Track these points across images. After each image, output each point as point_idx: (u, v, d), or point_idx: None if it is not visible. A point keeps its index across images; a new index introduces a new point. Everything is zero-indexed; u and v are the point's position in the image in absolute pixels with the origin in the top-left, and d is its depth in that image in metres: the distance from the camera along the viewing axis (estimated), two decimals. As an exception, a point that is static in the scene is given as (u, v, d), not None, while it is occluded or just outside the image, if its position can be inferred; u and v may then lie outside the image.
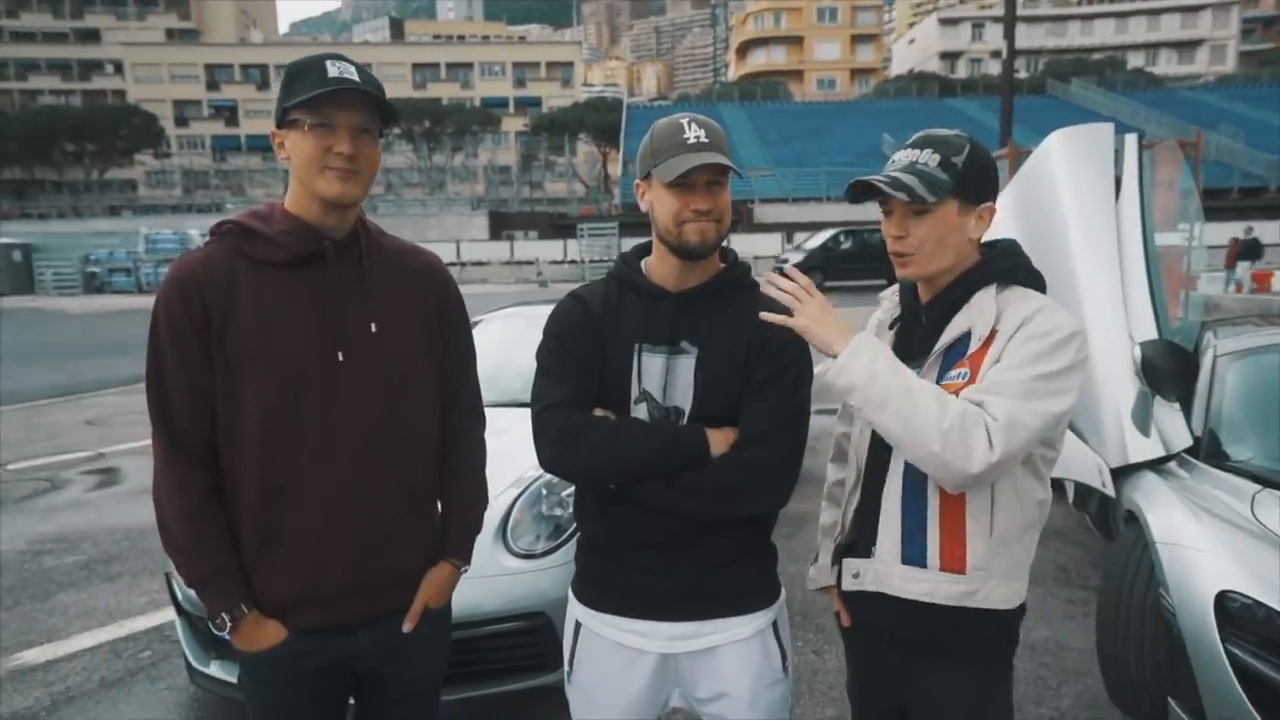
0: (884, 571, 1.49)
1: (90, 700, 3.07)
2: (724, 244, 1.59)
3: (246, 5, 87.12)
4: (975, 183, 1.45)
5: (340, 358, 1.46)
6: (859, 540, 1.56)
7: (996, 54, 61.80)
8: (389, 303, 1.54)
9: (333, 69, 1.40)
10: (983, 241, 1.52)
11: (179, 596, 2.84)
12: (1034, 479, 1.45)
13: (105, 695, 3.10)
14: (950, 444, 1.27)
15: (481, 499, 1.74)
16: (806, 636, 3.37)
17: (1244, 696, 2.06)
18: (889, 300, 1.68)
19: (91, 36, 68.60)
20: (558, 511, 2.83)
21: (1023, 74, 57.29)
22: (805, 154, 44.30)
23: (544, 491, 2.88)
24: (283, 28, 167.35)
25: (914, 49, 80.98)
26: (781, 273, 1.47)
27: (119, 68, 64.88)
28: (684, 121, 1.49)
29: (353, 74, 1.41)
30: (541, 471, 2.96)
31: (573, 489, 2.81)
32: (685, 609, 1.55)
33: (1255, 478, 2.67)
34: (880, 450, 1.51)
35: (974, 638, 1.46)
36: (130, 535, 4.86)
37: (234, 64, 66.40)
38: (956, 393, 1.36)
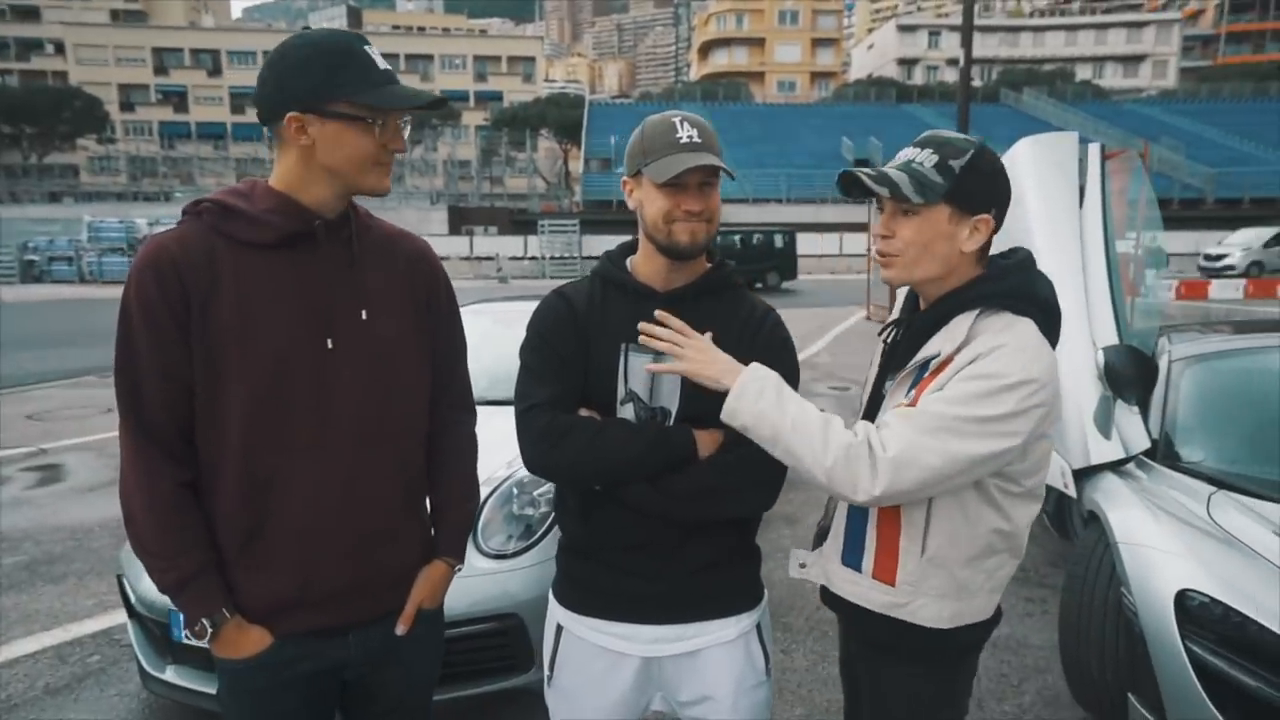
0: (826, 568, 1.56)
1: (34, 708, 2.94)
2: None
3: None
4: (973, 191, 1.39)
5: (330, 345, 1.39)
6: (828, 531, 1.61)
7: (953, 62, 63.05)
8: (379, 288, 1.46)
9: (378, 59, 1.35)
10: (1003, 251, 1.48)
11: (131, 598, 2.73)
12: (989, 508, 1.40)
13: (50, 702, 2.97)
14: (834, 478, 1.30)
15: (474, 495, 1.69)
16: (775, 635, 3.38)
17: (1203, 692, 2.12)
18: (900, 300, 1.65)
19: (30, 15, 65.85)
20: (529, 511, 2.80)
21: (977, 82, 58.65)
22: (766, 155, 44.67)
23: (515, 491, 2.84)
24: (235, 13, 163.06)
25: (873, 54, 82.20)
26: (655, 321, 1.44)
27: (60, 48, 62.46)
28: (676, 120, 1.46)
29: (385, 63, 1.37)
30: (512, 470, 2.97)
31: (544, 488, 2.84)
32: (670, 612, 1.54)
33: (1209, 479, 2.75)
34: None
35: (911, 646, 1.47)
36: (75, 534, 4.68)
37: (184, 48, 64.43)
38: None
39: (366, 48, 1.35)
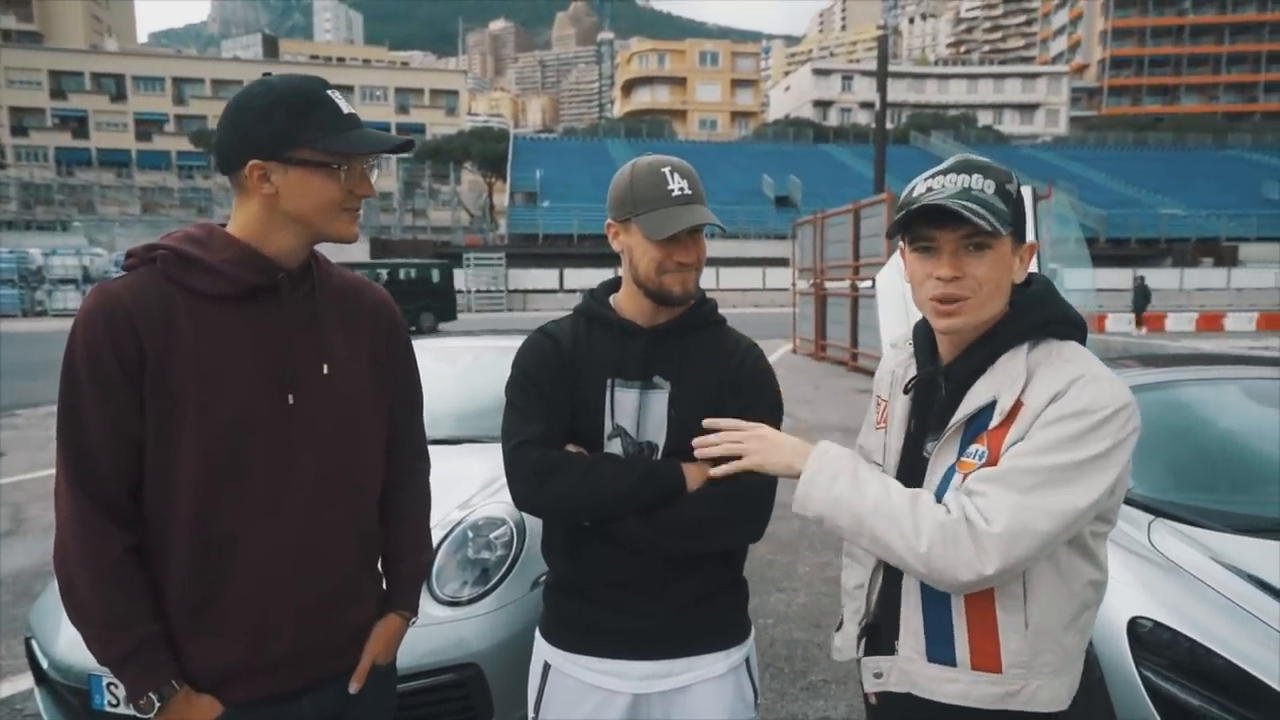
0: (910, 671, 1.33)
1: (-77, 792, 2.63)
2: None
3: (99, 11, 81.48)
4: (1023, 218, 1.28)
5: (290, 400, 1.33)
6: (884, 626, 1.41)
7: (866, 105, 66.16)
8: (340, 341, 1.42)
9: (342, 104, 1.32)
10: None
11: (43, 663, 2.49)
12: (1082, 559, 1.26)
13: (-58, 784, 2.67)
14: (932, 565, 1.16)
15: (428, 545, 1.65)
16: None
17: (1157, 716, 2.19)
18: (901, 350, 1.48)
19: (-87, 33, 62.15)
20: (485, 555, 2.70)
21: (889, 125, 61.63)
22: None
23: (469, 535, 2.74)
24: (141, 38, 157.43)
25: (790, 96, 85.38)
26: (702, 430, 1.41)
27: (-56, 68, 58.94)
28: (666, 171, 1.49)
29: (348, 106, 1.34)
30: (466, 513, 2.87)
31: (500, 530, 2.76)
32: (660, 647, 1.53)
33: (1146, 507, 2.87)
34: None
35: None
36: (-34, 593, 4.27)
37: (84, 72, 61.68)
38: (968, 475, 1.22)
39: (330, 92, 1.33)
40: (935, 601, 1.29)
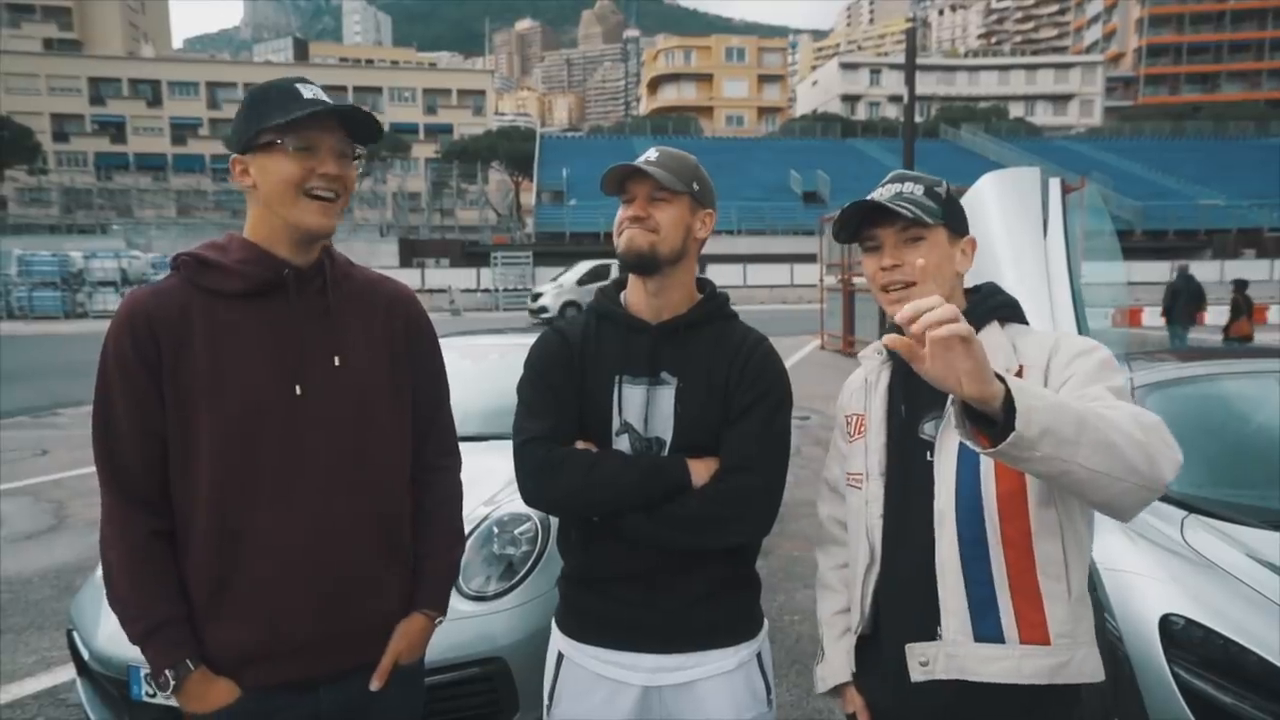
0: (958, 654, 1.28)
1: (-28, 777, 2.72)
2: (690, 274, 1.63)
3: (136, 18, 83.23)
4: (958, 214, 1.44)
5: (298, 391, 1.38)
6: (884, 627, 1.41)
7: (894, 98, 65.36)
8: (356, 335, 1.47)
9: (306, 91, 1.37)
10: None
11: (84, 654, 2.56)
12: (1084, 522, 1.31)
13: (-10, 770, 2.76)
14: (1150, 453, 1.08)
15: (459, 543, 1.65)
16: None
17: (1191, 715, 2.15)
18: (871, 359, 1.54)
19: (-42, 43, 63.87)
20: (510, 550, 2.73)
21: (918, 119, 60.76)
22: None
23: (495, 530, 2.77)
24: (175, 44, 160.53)
25: (817, 90, 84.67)
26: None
27: (-11, 77, 60.53)
28: (652, 149, 1.56)
29: (324, 96, 1.38)
30: (491, 509, 2.90)
31: (524, 526, 2.78)
32: (669, 641, 1.54)
33: (1178, 503, 2.82)
34: (899, 521, 1.38)
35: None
36: (12, 586, 4.40)
37: (122, 78, 63.04)
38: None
39: (298, 85, 1.38)
40: (978, 578, 1.27)
